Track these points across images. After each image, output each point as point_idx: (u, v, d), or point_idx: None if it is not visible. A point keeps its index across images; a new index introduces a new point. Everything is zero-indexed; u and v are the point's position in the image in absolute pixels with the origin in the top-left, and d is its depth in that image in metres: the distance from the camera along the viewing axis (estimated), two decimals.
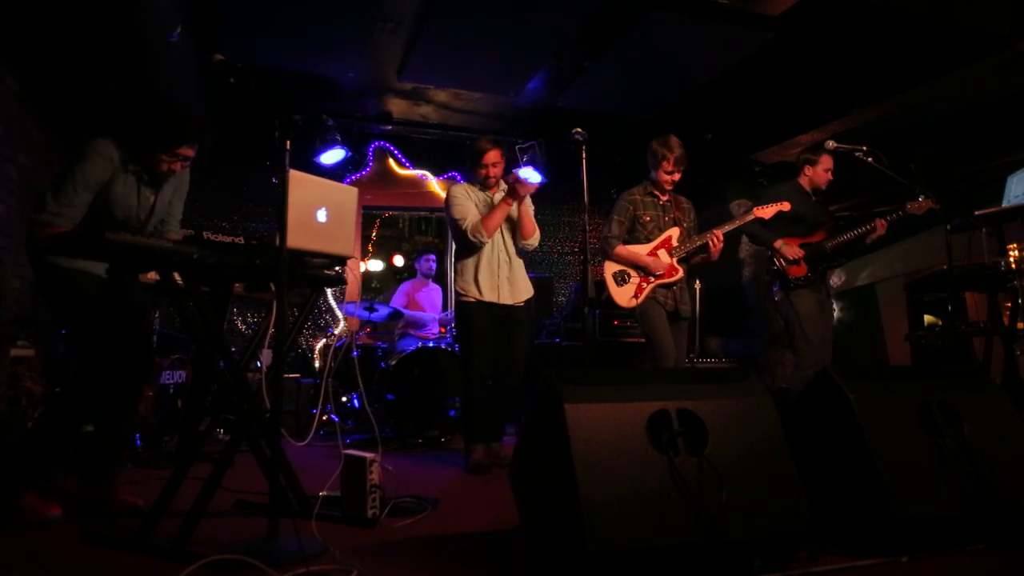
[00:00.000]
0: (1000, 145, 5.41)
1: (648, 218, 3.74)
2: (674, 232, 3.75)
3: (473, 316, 3.61)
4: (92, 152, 2.38)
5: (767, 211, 3.75)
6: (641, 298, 3.62)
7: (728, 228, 3.73)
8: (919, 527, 1.94)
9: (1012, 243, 3.35)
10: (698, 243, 3.68)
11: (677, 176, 3.70)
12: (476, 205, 3.68)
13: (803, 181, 4.14)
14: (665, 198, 3.79)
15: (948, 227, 3.29)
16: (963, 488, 2.01)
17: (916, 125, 5.47)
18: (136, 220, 2.54)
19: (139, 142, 2.45)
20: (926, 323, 6.18)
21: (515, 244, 3.74)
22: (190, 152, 2.50)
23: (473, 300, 3.62)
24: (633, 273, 3.67)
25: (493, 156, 3.66)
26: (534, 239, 3.73)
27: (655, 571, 1.71)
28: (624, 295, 3.68)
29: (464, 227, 3.58)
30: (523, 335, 3.74)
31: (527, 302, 3.77)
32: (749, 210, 3.85)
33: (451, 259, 6.89)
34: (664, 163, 3.65)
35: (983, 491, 2.01)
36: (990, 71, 4.51)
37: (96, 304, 2.47)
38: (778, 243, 3.98)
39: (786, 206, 3.78)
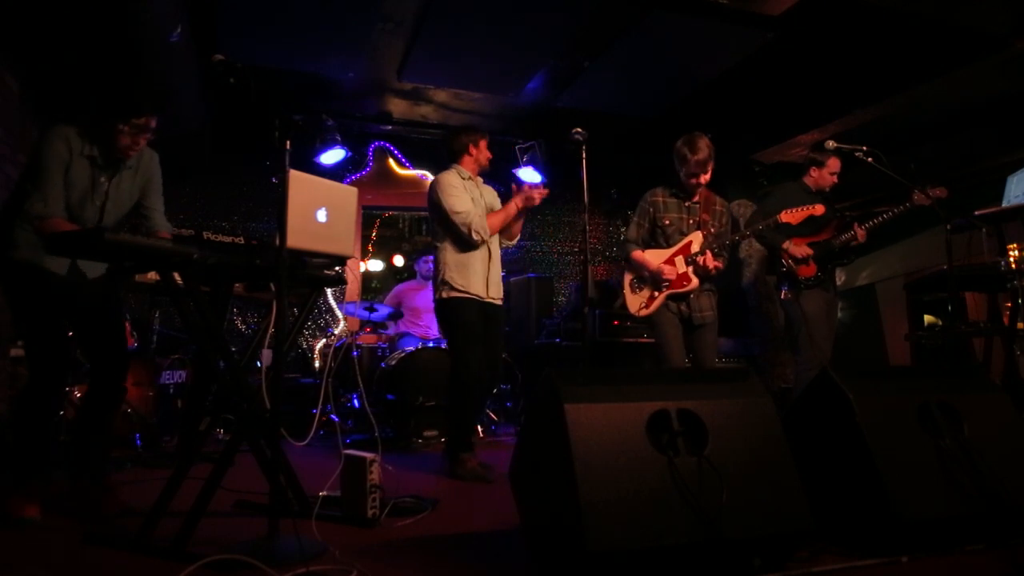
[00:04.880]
0: (1000, 145, 5.42)
1: (668, 221, 3.46)
2: (696, 237, 3.42)
3: (467, 312, 3.43)
4: (51, 137, 2.41)
5: (796, 215, 3.46)
6: (652, 308, 3.42)
7: (746, 235, 3.72)
8: (919, 527, 1.94)
9: (1012, 243, 3.36)
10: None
11: (703, 179, 3.40)
12: (472, 200, 3.52)
13: (808, 181, 4.14)
14: (695, 199, 3.49)
15: (948, 227, 3.29)
16: (963, 488, 2.01)
17: (916, 125, 5.47)
18: (91, 205, 2.52)
19: (99, 115, 2.44)
20: (926, 323, 6.20)
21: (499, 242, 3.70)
22: (151, 123, 2.49)
23: (466, 296, 3.44)
24: (646, 280, 3.47)
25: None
26: (516, 240, 3.79)
27: (655, 571, 1.71)
28: (635, 303, 3.50)
29: (465, 221, 3.39)
30: (502, 333, 3.68)
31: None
32: (758, 211, 3.82)
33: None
34: (684, 166, 3.39)
35: (983, 491, 2.01)
36: (990, 71, 4.51)
37: (56, 301, 2.46)
38: (786, 244, 3.96)
39: (819, 209, 3.48)
